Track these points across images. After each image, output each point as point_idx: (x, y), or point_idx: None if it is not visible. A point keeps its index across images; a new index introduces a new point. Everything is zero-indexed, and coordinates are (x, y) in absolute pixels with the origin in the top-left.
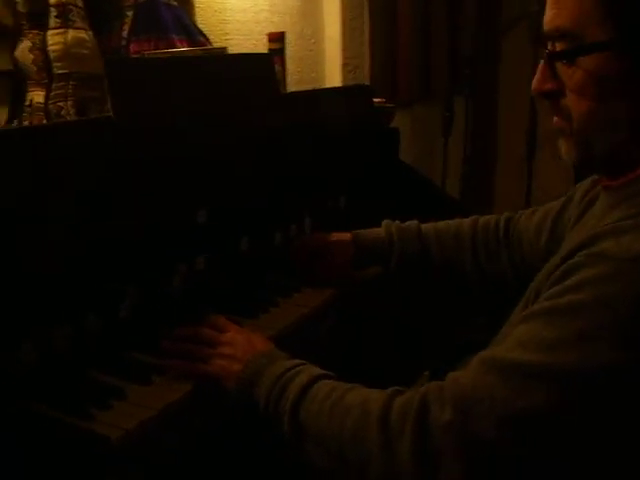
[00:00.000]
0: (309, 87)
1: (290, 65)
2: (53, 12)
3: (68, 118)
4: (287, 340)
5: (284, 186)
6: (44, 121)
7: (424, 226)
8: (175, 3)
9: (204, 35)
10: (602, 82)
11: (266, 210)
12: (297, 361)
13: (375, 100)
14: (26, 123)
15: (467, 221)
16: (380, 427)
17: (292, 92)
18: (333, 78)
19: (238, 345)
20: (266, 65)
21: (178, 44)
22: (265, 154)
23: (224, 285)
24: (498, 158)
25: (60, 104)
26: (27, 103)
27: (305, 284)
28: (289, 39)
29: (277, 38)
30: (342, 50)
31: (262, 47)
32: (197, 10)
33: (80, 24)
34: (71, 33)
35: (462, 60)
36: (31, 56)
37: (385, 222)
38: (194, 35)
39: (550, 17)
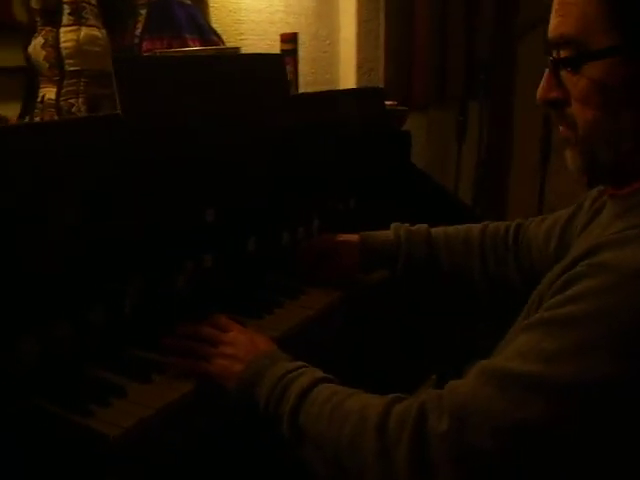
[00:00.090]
0: (323, 89)
1: (304, 66)
2: (66, 9)
3: (79, 115)
4: (291, 342)
5: (293, 187)
6: (55, 117)
7: (433, 230)
8: (189, 2)
9: (217, 35)
10: (607, 90)
11: (274, 211)
12: (299, 363)
13: (387, 103)
14: (37, 119)
15: (477, 227)
16: (377, 434)
17: (302, 93)
18: (348, 80)
19: (240, 345)
20: (277, 66)
21: (191, 43)
22: (274, 155)
23: (229, 285)
24: (512, 164)
25: (71, 101)
26: (39, 99)
27: (311, 285)
28: (304, 40)
29: (290, 39)
30: (357, 52)
31: (276, 48)
32: (211, 10)
33: (93, 22)
34: (84, 30)
35: (478, 64)
36: (43, 53)
37: (394, 225)
38: (207, 34)
39: (555, 24)
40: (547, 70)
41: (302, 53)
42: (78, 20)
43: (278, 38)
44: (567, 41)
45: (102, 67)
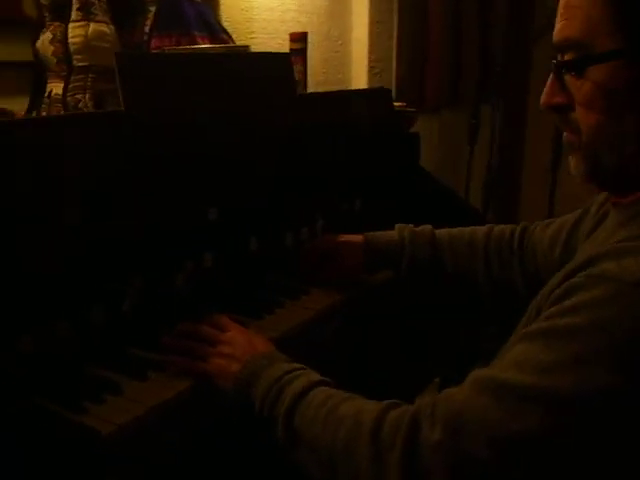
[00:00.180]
0: (334, 89)
1: (316, 66)
2: (75, 5)
3: (85, 110)
4: (291, 342)
5: (297, 187)
6: (62, 113)
7: (438, 232)
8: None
9: (227, 33)
10: (611, 94)
11: (277, 210)
12: (296, 365)
13: (396, 104)
14: (44, 114)
15: (482, 229)
16: (371, 440)
17: (310, 93)
18: (359, 80)
19: (238, 345)
20: (284, 65)
21: (200, 41)
22: (279, 154)
23: (231, 284)
24: (524, 166)
25: (78, 96)
26: (46, 94)
27: (314, 286)
28: (316, 40)
29: (299, 38)
30: (369, 52)
31: (287, 47)
32: (222, 7)
33: (101, 18)
34: (92, 26)
35: (492, 67)
36: (51, 48)
37: (398, 225)
38: (217, 32)
39: (560, 28)
40: (551, 75)
41: (314, 53)
42: (87, 16)
43: (289, 37)
44: (571, 44)
45: (110, 63)
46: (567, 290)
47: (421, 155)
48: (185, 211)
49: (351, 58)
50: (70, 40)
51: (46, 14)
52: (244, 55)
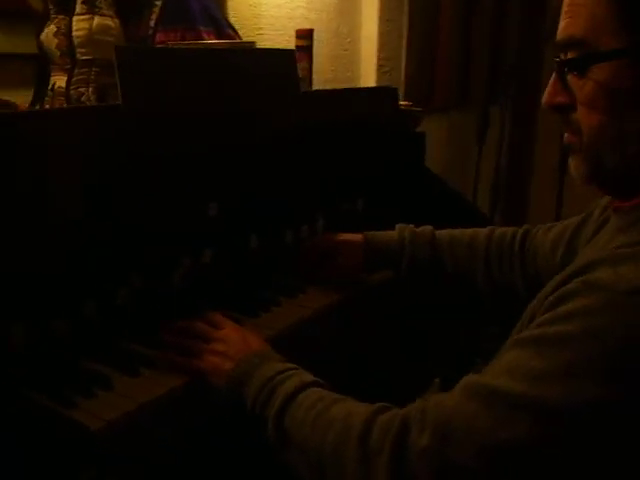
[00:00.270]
0: (343, 87)
1: (324, 63)
2: None
3: (88, 104)
4: (288, 341)
5: (298, 185)
6: (64, 106)
7: (438, 232)
8: None
9: (233, 28)
10: (614, 94)
11: (279, 208)
12: (289, 365)
13: (402, 103)
14: (47, 107)
15: (483, 231)
16: (359, 443)
17: (314, 90)
18: (368, 79)
19: (231, 343)
20: (287, 61)
21: (205, 36)
22: (280, 151)
23: (228, 281)
24: (534, 168)
25: (81, 90)
26: (50, 87)
27: (312, 285)
28: (325, 37)
29: (305, 35)
30: (378, 51)
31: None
32: (231, 3)
33: (106, 11)
34: (96, 20)
35: (502, 68)
36: (55, 40)
37: (399, 225)
38: (223, 27)
39: (563, 26)
40: (554, 74)
41: (322, 50)
42: (91, 9)
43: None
44: (575, 42)
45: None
46: (561, 297)
47: (429, 155)
48: (185, 206)
49: (360, 56)
50: (74, 33)
51: (51, 7)
52: (246, 51)
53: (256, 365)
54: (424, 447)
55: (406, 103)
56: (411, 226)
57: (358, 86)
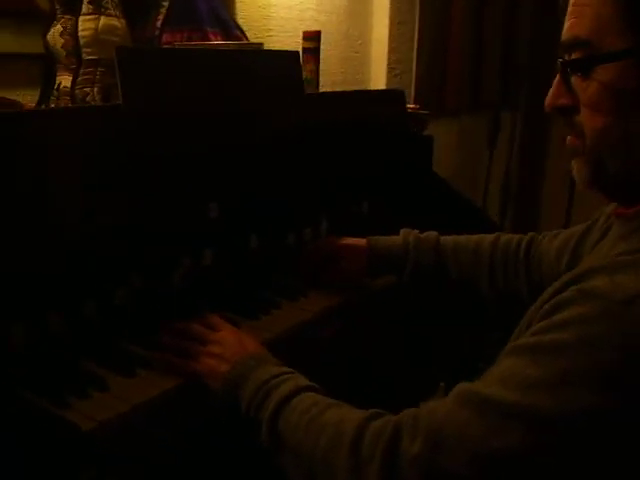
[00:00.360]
0: (352, 89)
1: (334, 66)
2: None
3: (93, 104)
4: (286, 344)
5: (302, 187)
6: (69, 105)
7: (443, 238)
8: None
9: (240, 29)
10: (618, 95)
11: (281, 209)
12: (285, 369)
13: (410, 106)
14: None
15: (488, 237)
16: (351, 450)
17: (319, 92)
18: (378, 81)
19: (228, 345)
20: (291, 63)
21: (212, 37)
22: (283, 152)
23: (228, 282)
24: (546, 173)
25: (86, 89)
26: (55, 87)
27: (314, 288)
28: (334, 39)
29: (312, 37)
30: (389, 53)
31: None
32: (240, 4)
33: (112, 11)
34: (103, 20)
35: (515, 72)
36: (61, 40)
37: (403, 230)
38: (230, 29)
39: (568, 26)
40: (557, 76)
41: (332, 52)
42: (97, 9)
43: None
44: (579, 43)
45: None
46: (557, 304)
47: (438, 159)
48: (185, 207)
49: (370, 58)
50: (80, 33)
51: (57, 7)
52: (248, 52)
53: (252, 368)
54: (415, 455)
55: (413, 106)
56: (416, 231)
57: (368, 88)
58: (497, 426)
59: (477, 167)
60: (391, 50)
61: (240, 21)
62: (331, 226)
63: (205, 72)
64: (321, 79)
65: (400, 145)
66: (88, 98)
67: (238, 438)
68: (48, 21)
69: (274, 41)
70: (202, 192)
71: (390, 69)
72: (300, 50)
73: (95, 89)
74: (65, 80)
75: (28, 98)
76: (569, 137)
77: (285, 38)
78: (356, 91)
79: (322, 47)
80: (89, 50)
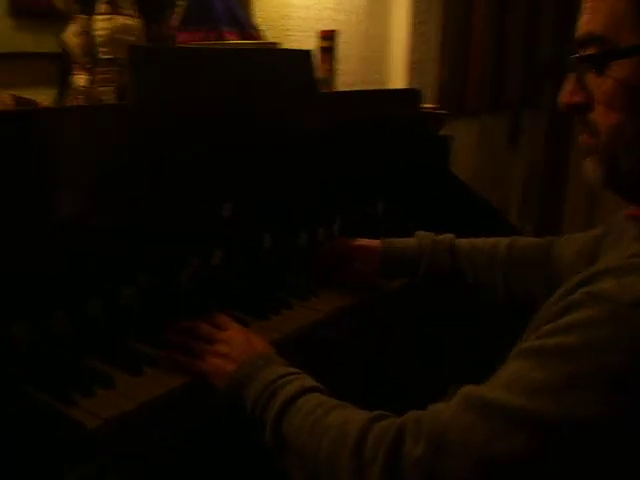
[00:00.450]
0: (371, 89)
1: (353, 65)
2: None
3: (109, 103)
4: (296, 345)
5: (315, 186)
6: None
7: (458, 241)
8: None
9: (256, 29)
10: (633, 91)
11: (294, 209)
12: (291, 369)
13: (428, 106)
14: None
15: (504, 240)
16: (354, 452)
17: (334, 91)
18: (397, 81)
19: (235, 344)
20: (304, 62)
21: (228, 36)
22: (297, 152)
23: (238, 282)
24: (569, 175)
25: (102, 89)
26: (72, 86)
27: (326, 288)
28: (353, 39)
29: (328, 36)
30: (408, 53)
31: None
32: (258, 4)
33: (129, 11)
34: (119, 19)
35: (538, 72)
36: (77, 40)
37: (418, 233)
38: (246, 28)
39: (582, 22)
40: (572, 74)
41: (351, 52)
42: (113, 9)
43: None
44: (594, 39)
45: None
46: (565, 307)
47: (457, 160)
48: (198, 206)
49: (390, 58)
50: (96, 32)
51: (74, 6)
52: (261, 51)
53: (259, 368)
54: (418, 457)
55: (431, 105)
56: (430, 234)
57: (387, 88)
58: (501, 430)
59: (497, 168)
60: (411, 50)
61: (258, 21)
62: (345, 226)
63: (217, 71)
64: (340, 79)
65: (416, 145)
66: (104, 97)
67: (238, 438)
68: (65, 20)
69: (292, 41)
70: (215, 192)
71: (410, 69)
72: (317, 49)
73: (111, 88)
74: (81, 79)
75: (44, 97)
76: (583, 136)
77: (303, 38)
78: (371, 90)
79: (341, 47)
80: (105, 50)
